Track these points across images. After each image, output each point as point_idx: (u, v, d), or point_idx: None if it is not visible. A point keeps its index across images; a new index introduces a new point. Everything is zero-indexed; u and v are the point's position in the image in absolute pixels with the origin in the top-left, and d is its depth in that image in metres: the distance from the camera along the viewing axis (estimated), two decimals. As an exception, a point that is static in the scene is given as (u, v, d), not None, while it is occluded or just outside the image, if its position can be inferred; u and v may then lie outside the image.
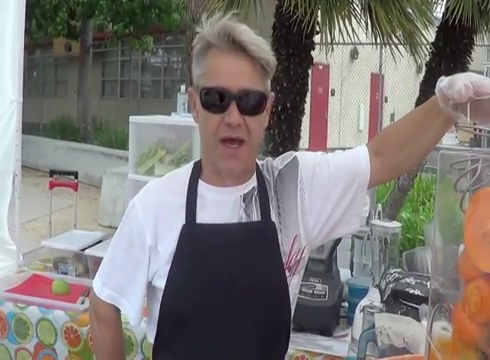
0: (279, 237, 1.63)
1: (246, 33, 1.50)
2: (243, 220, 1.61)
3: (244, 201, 1.62)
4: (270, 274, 1.62)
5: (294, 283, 1.67)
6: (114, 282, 1.72)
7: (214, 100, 1.51)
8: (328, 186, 1.65)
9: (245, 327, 1.59)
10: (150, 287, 1.67)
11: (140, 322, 1.71)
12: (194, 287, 1.58)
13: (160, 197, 1.65)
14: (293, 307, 1.71)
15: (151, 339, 1.70)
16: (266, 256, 1.62)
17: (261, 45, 1.51)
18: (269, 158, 1.74)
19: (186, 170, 1.69)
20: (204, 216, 1.60)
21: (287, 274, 1.63)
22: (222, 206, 1.61)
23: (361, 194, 1.67)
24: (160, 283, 1.61)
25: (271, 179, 1.67)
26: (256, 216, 1.62)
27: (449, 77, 1.38)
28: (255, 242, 1.61)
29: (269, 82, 1.59)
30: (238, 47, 1.49)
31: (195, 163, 1.69)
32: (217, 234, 1.60)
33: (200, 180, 1.64)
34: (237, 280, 1.57)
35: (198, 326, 1.59)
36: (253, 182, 1.65)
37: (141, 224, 1.63)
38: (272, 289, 1.62)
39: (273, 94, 1.63)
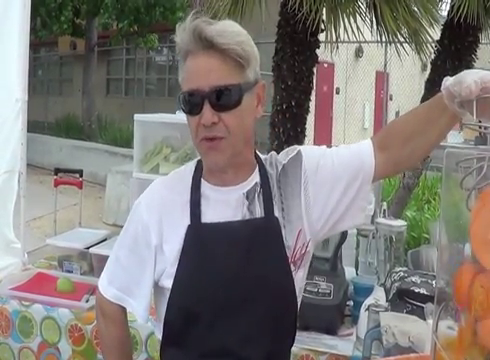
0: (283, 232, 1.63)
1: (216, 27, 1.49)
2: (246, 217, 1.61)
3: (247, 198, 1.62)
4: (275, 269, 1.62)
5: (299, 277, 1.67)
6: (120, 281, 1.72)
7: (189, 103, 1.52)
8: (332, 179, 1.65)
9: (252, 322, 1.60)
10: (157, 287, 1.68)
11: (147, 320, 1.72)
12: (201, 285, 1.58)
13: (164, 196, 1.66)
14: (299, 301, 1.72)
15: (159, 336, 1.71)
16: (270, 251, 1.62)
17: (233, 37, 1.49)
18: (273, 152, 1.75)
19: (189, 168, 1.70)
20: (208, 215, 1.61)
21: (292, 268, 1.64)
22: (225, 205, 1.62)
23: (365, 187, 1.66)
24: (167, 283, 1.61)
25: (274, 174, 1.68)
26: (259, 212, 1.62)
27: (455, 75, 1.38)
28: (259, 238, 1.61)
29: (252, 72, 1.55)
30: (205, 43, 1.47)
31: (198, 161, 1.70)
32: (222, 232, 1.60)
33: (202, 179, 1.65)
34: (242, 276, 1.58)
35: (205, 323, 1.60)
36: (255, 178, 1.65)
37: (146, 223, 1.63)
38: (278, 283, 1.63)
39: (264, 82, 1.61)
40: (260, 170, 1.67)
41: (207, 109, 1.48)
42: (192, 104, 1.51)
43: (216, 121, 1.49)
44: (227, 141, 1.52)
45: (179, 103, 1.55)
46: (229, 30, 1.50)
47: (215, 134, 1.51)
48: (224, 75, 1.49)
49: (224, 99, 1.49)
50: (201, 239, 1.59)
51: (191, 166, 1.70)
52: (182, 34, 1.51)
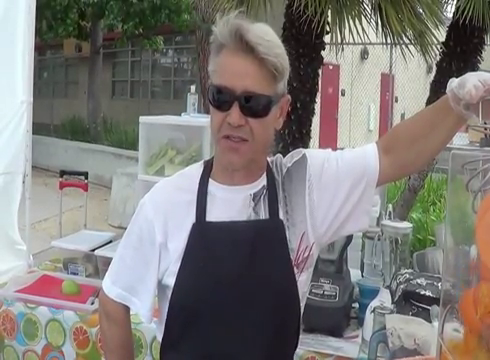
0: (287, 234, 1.63)
1: (257, 33, 1.49)
2: (251, 218, 1.61)
3: (253, 200, 1.63)
4: (278, 271, 1.62)
5: (303, 280, 1.66)
6: (124, 281, 1.72)
7: (218, 98, 1.53)
8: (336, 183, 1.65)
9: (254, 325, 1.60)
10: (160, 286, 1.68)
11: (151, 320, 1.72)
12: (202, 285, 1.59)
13: (170, 195, 1.67)
14: (302, 305, 1.71)
15: (160, 337, 1.71)
16: (274, 253, 1.62)
17: (272, 48, 1.50)
18: (279, 155, 1.75)
19: (196, 169, 1.70)
20: (214, 214, 1.61)
21: (295, 271, 1.63)
22: (232, 204, 1.62)
23: (370, 191, 1.66)
24: (170, 281, 1.62)
25: (279, 177, 1.68)
26: (264, 214, 1.62)
27: (460, 77, 1.37)
28: (263, 239, 1.61)
29: (282, 85, 1.57)
30: (246, 47, 1.48)
31: (205, 162, 1.71)
32: (226, 232, 1.61)
33: (210, 179, 1.65)
34: (245, 277, 1.58)
35: (206, 324, 1.60)
36: (263, 181, 1.66)
37: (151, 222, 1.64)
38: (280, 286, 1.62)
39: (289, 97, 1.63)
40: (268, 173, 1.68)
41: (236, 110, 1.49)
42: (221, 100, 1.52)
43: (243, 123, 1.50)
44: (249, 144, 1.53)
45: (207, 93, 1.56)
46: (269, 39, 1.51)
47: (240, 135, 1.52)
48: (258, 83, 1.49)
49: (253, 106, 1.50)
50: (205, 238, 1.60)
51: (198, 167, 1.71)
52: (222, 28, 1.51)
